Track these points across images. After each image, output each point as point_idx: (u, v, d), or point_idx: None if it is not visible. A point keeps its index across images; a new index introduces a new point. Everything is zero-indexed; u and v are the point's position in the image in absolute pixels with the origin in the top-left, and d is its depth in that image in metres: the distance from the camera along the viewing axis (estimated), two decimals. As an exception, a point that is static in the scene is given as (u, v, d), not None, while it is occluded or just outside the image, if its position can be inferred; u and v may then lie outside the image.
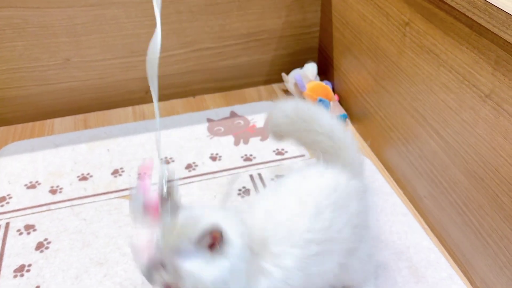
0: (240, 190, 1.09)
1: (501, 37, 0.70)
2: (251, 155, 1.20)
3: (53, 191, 1.10)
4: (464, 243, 0.89)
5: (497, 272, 0.81)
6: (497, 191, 0.78)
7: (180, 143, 1.24)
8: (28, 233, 0.99)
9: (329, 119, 0.75)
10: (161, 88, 1.41)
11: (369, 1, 1.09)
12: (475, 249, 0.86)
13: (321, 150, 0.76)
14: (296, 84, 1.35)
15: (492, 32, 0.72)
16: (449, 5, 0.80)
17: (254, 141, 1.24)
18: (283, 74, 1.40)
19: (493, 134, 0.77)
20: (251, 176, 1.13)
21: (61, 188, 1.11)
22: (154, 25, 1.30)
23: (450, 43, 0.84)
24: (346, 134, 0.76)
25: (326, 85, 1.34)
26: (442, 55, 0.87)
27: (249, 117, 1.33)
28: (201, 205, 0.72)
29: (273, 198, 0.72)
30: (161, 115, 1.36)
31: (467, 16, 0.77)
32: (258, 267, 0.64)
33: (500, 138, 0.75)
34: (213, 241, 0.59)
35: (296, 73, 1.37)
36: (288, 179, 0.75)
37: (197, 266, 0.59)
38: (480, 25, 0.74)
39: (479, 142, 0.80)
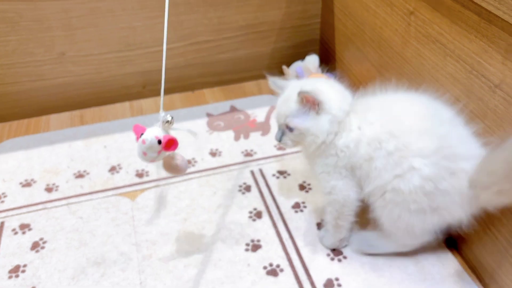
0: (240, 186, 1.06)
1: (511, 24, 0.67)
2: (251, 150, 1.17)
3: (49, 189, 1.07)
4: (472, 238, 0.86)
5: (507, 268, 0.78)
6: (508, 185, 0.75)
7: (179, 138, 1.21)
8: (24, 233, 0.97)
9: None
10: (159, 82, 1.39)
11: (372, -10, 1.05)
12: (484, 245, 0.83)
13: None
14: (297, 77, 1.32)
15: (502, 19, 0.69)
16: (456, -8, 0.77)
17: (255, 136, 1.22)
18: (284, 67, 1.37)
19: (503, 126, 0.74)
20: (252, 172, 1.10)
21: (57, 186, 1.08)
22: (150, 17, 1.27)
23: (457, 32, 0.81)
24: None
25: (328, 78, 1.31)
26: (449, 44, 0.83)
27: (249, 111, 1.31)
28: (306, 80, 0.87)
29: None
30: (159, 110, 1.33)
31: (476, 3, 0.73)
32: (348, 121, 0.79)
33: (510, 129, 0.72)
34: (309, 102, 0.77)
35: (297, 65, 1.34)
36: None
37: (308, 122, 0.79)
38: (490, 12, 0.71)
39: (488, 134, 0.77)
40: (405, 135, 0.74)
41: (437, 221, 0.78)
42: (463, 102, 0.81)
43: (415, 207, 0.76)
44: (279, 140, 0.83)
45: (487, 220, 0.81)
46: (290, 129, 0.80)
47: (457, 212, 0.76)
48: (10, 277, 0.88)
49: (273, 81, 0.85)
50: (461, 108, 0.78)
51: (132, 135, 1.22)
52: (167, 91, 1.38)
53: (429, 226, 0.79)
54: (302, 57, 1.37)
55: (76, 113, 1.33)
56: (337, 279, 0.86)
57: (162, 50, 1.30)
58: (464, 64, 0.80)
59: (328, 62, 1.37)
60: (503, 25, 0.70)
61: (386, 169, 0.75)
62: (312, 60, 1.33)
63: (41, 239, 0.95)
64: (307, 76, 1.30)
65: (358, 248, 0.90)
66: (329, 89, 0.80)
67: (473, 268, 0.87)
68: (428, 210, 0.76)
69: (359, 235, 0.91)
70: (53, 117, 1.32)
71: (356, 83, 1.22)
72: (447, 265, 0.88)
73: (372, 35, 1.09)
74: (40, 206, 1.03)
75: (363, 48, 1.15)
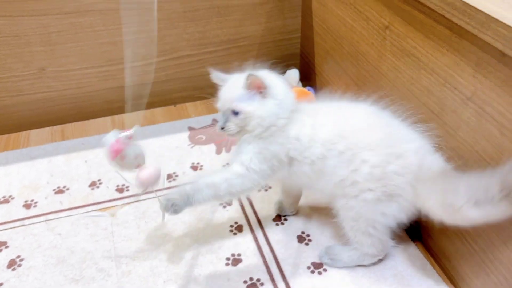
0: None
1: (481, 39, 0.69)
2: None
3: (27, 206, 1.06)
4: (450, 249, 0.87)
5: (484, 278, 0.79)
6: (482, 196, 0.76)
7: (160, 152, 1.21)
8: (0, 250, 0.95)
9: None
10: (141, 96, 1.38)
11: (349, 5, 1.07)
12: (461, 255, 0.84)
13: None
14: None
15: (472, 34, 0.71)
16: (428, 7, 0.79)
17: (236, 149, 1.22)
18: (265, 81, 1.38)
19: (476, 138, 0.75)
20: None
21: (35, 202, 1.07)
22: (131, 32, 1.27)
23: (430, 45, 0.82)
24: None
25: (308, 91, 1.32)
26: (423, 58, 0.85)
27: (231, 125, 1.31)
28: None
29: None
30: (141, 125, 1.33)
31: (447, 18, 0.75)
32: (300, 118, 0.83)
33: (483, 141, 0.74)
34: (256, 86, 0.79)
35: (278, 79, 1.35)
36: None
37: (254, 105, 0.80)
38: (460, 26, 0.73)
39: (461, 146, 0.79)
40: (353, 135, 0.81)
41: (396, 211, 0.81)
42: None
43: (371, 197, 0.80)
44: (223, 127, 0.82)
45: (464, 231, 0.82)
46: (235, 113, 0.81)
47: (411, 196, 0.80)
48: (-15, 296, 0.87)
49: (215, 74, 0.86)
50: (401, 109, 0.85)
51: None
52: (148, 106, 1.39)
53: (389, 219, 0.82)
54: (283, 71, 1.38)
55: (57, 128, 1.33)
56: (317, 292, 0.86)
57: (143, 65, 1.31)
58: (438, 77, 0.82)
59: (309, 76, 1.39)
60: (473, 39, 0.72)
61: (341, 167, 0.81)
62: (293, 74, 1.34)
63: (18, 256, 0.94)
64: (288, 90, 1.31)
65: (321, 261, 0.91)
66: (274, 78, 0.84)
67: (451, 279, 0.87)
68: (384, 198, 0.79)
69: (324, 248, 0.92)
70: (33, 133, 1.31)
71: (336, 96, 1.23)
72: (426, 276, 0.88)
73: (349, 49, 1.11)
74: (17, 223, 1.01)
75: (341, 62, 1.16)
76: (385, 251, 0.89)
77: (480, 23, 0.68)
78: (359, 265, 0.89)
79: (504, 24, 0.64)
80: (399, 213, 0.82)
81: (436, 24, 0.80)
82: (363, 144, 0.80)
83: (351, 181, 0.81)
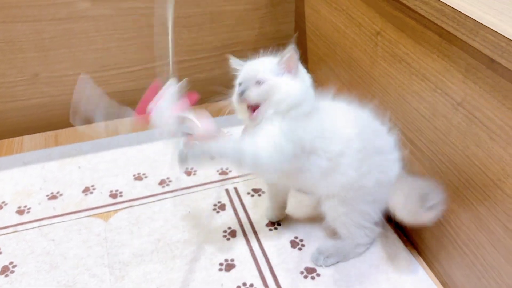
0: (215, 205, 1.06)
1: (470, 45, 0.70)
2: (227, 168, 1.17)
3: (20, 212, 1.06)
4: (441, 253, 0.87)
5: (475, 282, 0.79)
6: (472, 200, 0.77)
7: (154, 158, 1.21)
8: (-7, 257, 0.95)
9: None
10: (134, 102, 1.39)
11: (342, 11, 1.08)
12: (453, 259, 0.84)
13: None
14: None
15: (461, 40, 0.72)
16: (419, 14, 0.80)
17: (230, 154, 1.22)
18: (259, 86, 1.39)
19: (466, 143, 0.76)
20: (226, 190, 1.10)
21: (29, 208, 1.06)
22: (124, 39, 1.28)
23: (421, 51, 0.83)
24: None
25: (301, 97, 1.33)
26: (414, 63, 0.86)
27: (225, 130, 1.31)
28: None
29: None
30: (135, 130, 1.33)
31: (437, 24, 0.76)
32: (321, 112, 0.82)
33: (473, 146, 0.75)
34: (289, 65, 0.78)
35: (271, 85, 1.35)
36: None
37: (283, 81, 0.78)
38: (450, 33, 0.74)
39: (452, 151, 0.80)
40: (368, 136, 0.84)
41: (385, 194, 0.85)
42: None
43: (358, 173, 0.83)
44: (242, 93, 0.79)
45: (454, 235, 0.83)
46: (259, 83, 0.79)
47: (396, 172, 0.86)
48: (-22, 303, 0.86)
49: (235, 61, 0.87)
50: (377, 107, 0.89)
51: (107, 155, 1.22)
52: (142, 111, 1.39)
53: (380, 204, 0.87)
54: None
55: (51, 134, 1.32)
56: (310, 297, 0.86)
57: (137, 71, 1.31)
58: (429, 83, 0.83)
59: (302, 81, 1.39)
60: (462, 45, 0.73)
61: (352, 166, 0.82)
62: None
63: (11, 263, 0.94)
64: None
65: (316, 265, 0.91)
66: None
67: (444, 283, 0.88)
68: (370, 175, 0.83)
69: (315, 250, 0.93)
70: (27, 138, 1.31)
71: (329, 101, 1.24)
72: (418, 280, 0.89)
73: (342, 55, 1.12)
74: (10, 229, 1.01)
75: (334, 67, 1.17)
76: (375, 237, 0.93)
77: (469, 29, 0.69)
78: (352, 258, 0.92)
79: (492, 30, 0.65)
80: (386, 197, 0.86)
81: (427, 30, 0.81)
82: (374, 148, 0.84)
83: (359, 185, 0.82)
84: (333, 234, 0.92)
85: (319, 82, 1.28)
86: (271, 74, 0.79)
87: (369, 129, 0.86)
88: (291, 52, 0.78)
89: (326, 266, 0.90)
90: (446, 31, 0.75)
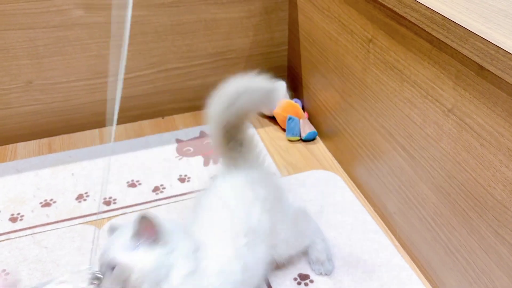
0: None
1: (460, 52, 0.71)
2: (220, 175, 1.17)
3: (13, 219, 1.05)
4: (434, 259, 0.88)
5: (467, 287, 0.80)
6: (464, 206, 0.77)
7: (147, 164, 1.21)
8: (-15, 264, 0.95)
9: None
10: (129, 109, 1.39)
11: (334, 19, 1.09)
12: (445, 265, 0.85)
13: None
14: (265, 103, 1.34)
15: (451, 47, 0.72)
16: (410, 21, 0.81)
17: (224, 161, 1.22)
18: (253, 93, 1.39)
19: (457, 149, 0.77)
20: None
21: (22, 216, 1.06)
22: (119, 45, 1.28)
23: (412, 58, 0.84)
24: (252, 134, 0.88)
25: (295, 103, 1.33)
26: (405, 70, 0.87)
27: (219, 137, 1.31)
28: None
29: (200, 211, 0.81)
30: (129, 137, 1.33)
31: (427, 32, 0.77)
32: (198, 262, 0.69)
33: (464, 152, 0.75)
34: (149, 232, 0.65)
35: (265, 91, 1.36)
36: (204, 195, 0.84)
37: (137, 258, 0.65)
38: (440, 40, 0.75)
39: (444, 157, 0.80)
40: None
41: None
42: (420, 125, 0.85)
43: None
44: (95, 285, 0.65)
45: (446, 241, 0.83)
46: (111, 267, 0.66)
47: None
48: (-31, 311, 0.86)
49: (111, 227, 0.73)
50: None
51: (100, 162, 1.22)
52: (136, 118, 1.39)
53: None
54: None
55: (44, 141, 1.32)
56: (303, 304, 0.86)
57: (132, 78, 1.32)
58: (420, 89, 0.83)
59: (296, 88, 1.40)
60: (452, 52, 0.74)
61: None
62: (280, 86, 1.35)
63: (3, 270, 0.93)
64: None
65: (321, 273, 0.91)
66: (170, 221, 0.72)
67: (437, 289, 0.89)
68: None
69: (311, 264, 0.93)
70: (21, 145, 1.30)
71: (322, 108, 1.25)
72: (411, 286, 0.89)
73: (335, 62, 1.13)
74: (3, 237, 1.01)
75: (327, 74, 1.18)
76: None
77: (459, 37, 0.69)
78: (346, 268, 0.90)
79: (482, 38, 0.65)
80: None
81: (417, 37, 0.82)
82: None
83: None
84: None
85: (312, 89, 1.29)
86: (122, 251, 0.66)
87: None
88: (144, 220, 0.66)
89: (329, 271, 0.91)
90: (437, 38, 0.75)
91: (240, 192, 0.81)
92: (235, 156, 0.85)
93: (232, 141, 0.84)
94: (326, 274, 0.90)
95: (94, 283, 0.65)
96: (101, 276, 0.65)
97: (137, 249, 0.66)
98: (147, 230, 0.66)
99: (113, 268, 0.65)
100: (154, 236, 0.66)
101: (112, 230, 0.73)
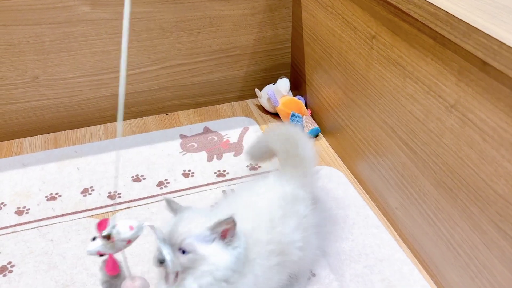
0: (212, 206, 1.07)
1: (463, 48, 0.71)
2: (224, 170, 1.18)
3: (19, 212, 1.07)
4: (436, 254, 0.88)
5: (469, 282, 0.80)
6: (466, 201, 0.78)
7: (152, 160, 1.22)
8: (-9, 256, 0.96)
9: (308, 143, 0.88)
10: (133, 105, 1.40)
11: (338, 16, 1.10)
12: (447, 260, 0.85)
13: (287, 164, 0.88)
14: (269, 100, 1.35)
15: (454, 43, 0.73)
16: (413, 17, 0.82)
17: (228, 156, 1.23)
18: (256, 90, 1.40)
19: (459, 144, 0.77)
20: (224, 192, 1.11)
21: (28, 209, 1.07)
22: (126, 42, 1.29)
23: (415, 54, 0.85)
24: (313, 152, 0.89)
25: (298, 100, 1.34)
26: (408, 66, 0.87)
27: (223, 133, 1.33)
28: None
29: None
30: (134, 133, 1.34)
31: (430, 28, 0.78)
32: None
33: (466, 148, 0.76)
34: (225, 232, 0.67)
35: (269, 88, 1.37)
36: (240, 193, 0.83)
37: (213, 251, 0.67)
38: (443, 36, 0.75)
39: (446, 152, 0.81)
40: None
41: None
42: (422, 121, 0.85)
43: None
44: (162, 260, 0.66)
45: (448, 236, 0.84)
46: (183, 252, 0.67)
47: None
48: (-24, 302, 0.87)
49: (170, 202, 0.72)
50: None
51: (105, 157, 1.23)
52: (141, 114, 1.40)
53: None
54: (273, 80, 1.40)
55: (50, 136, 1.33)
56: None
57: (136, 74, 1.33)
58: (422, 85, 0.84)
59: (299, 85, 1.41)
60: (456, 49, 0.74)
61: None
62: (283, 83, 1.36)
63: (9, 263, 0.94)
64: (279, 98, 1.33)
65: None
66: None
67: (438, 283, 0.89)
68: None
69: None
70: (26, 141, 1.32)
71: (325, 104, 1.25)
72: (412, 281, 0.90)
73: (338, 58, 1.13)
74: (9, 230, 1.02)
75: (330, 71, 1.19)
76: None
77: (462, 32, 0.70)
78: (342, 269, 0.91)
79: (485, 33, 0.66)
80: None
81: (421, 33, 0.82)
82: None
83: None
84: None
85: (315, 86, 1.30)
86: (199, 241, 0.67)
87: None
88: (230, 224, 0.67)
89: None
90: (440, 34, 0.76)
91: (283, 204, 0.79)
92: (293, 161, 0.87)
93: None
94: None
95: (161, 262, 0.66)
96: (165, 258, 0.66)
97: (212, 242, 0.67)
98: (226, 231, 0.67)
99: (183, 251, 0.67)
100: (229, 237, 0.68)
101: (173, 207, 0.71)
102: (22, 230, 1.02)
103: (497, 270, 0.74)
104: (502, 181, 0.69)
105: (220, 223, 0.66)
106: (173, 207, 0.72)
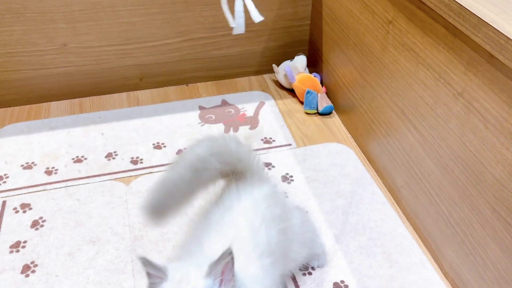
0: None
1: (472, 40, 0.75)
2: (240, 142, 1.24)
3: (48, 172, 1.14)
4: (435, 231, 0.95)
5: (463, 258, 0.87)
6: (466, 183, 0.83)
7: (172, 129, 1.29)
8: (24, 212, 1.04)
9: (238, 146, 0.79)
10: (155, 75, 1.45)
11: (357, -2, 1.13)
12: (445, 237, 0.91)
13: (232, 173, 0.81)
14: (286, 76, 1.40)
15: (465, 35, 0.77)
16: (428, 7, 0.85)
17: (243, 129, 1.29)
18: (274, 65, 1.44)
19: (464, 130, 0.82)
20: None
21: (56, 170, 1.15)
22: (149, 13, 1.34)
23: (428, 42, 0.89)
24: (251, 153, 0.81)
25: (314, 77, 1.39)
26: (421, 53, 0.91)
27: (240, 106, 1.38)
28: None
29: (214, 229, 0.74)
30: (155, 102, 1.40)
31: (444, 18, 0.81)
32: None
33: (470, 134, 0.81)
34: (225, 273, 0.60)
35: (286, 64, 1.41)
36: (215, 211, 0.79)
37: None
38: (455, 27, 0.79)
39: (451, 137, 0.86)
40: None
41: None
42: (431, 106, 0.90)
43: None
44: None
45: (448, 214, 0.90)
46: None
47: None
48: (11, 252, 0.96)
49: (147, 263, 0.60)
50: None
51: (128, 124, 1.30)
52: (162, 84, 1.46)
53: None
54: (291, 56, 1.44)
55: (76, 101, 1.40)
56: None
57: (159, 45, 1.38)
58: (433, 72, 0.88)
59: (316, 63, 1.45)
60: (466, 40, 0.78)
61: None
62: (300, 60, 1.40)
63: (41, 218, 1.03)
64: (295, 75, 1.38)
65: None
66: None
67: (435, 258, 0.96)
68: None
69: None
70: (54, 105, 1.39)
71: (340, 83, 1.30)
72: (412, 254, 0.96)
73: (355, 39, 1.17)
74: (40, 188, 1.10)
75: (347, 51, 1.23)
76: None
77: (473, 25, 0.74)
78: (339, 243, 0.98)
79: (494, 28, 0.70)
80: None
81: (435, 22, 0.86)
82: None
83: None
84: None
85: (332, 65, 1.34)
86: None
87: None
88: (227, 258, 0.59)
89: (322, 265, 0.94)
90: (452, 25, 0.80)
91: (260, 209, 0.77)
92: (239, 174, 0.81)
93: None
94: (319, 267, 0.93)
95: None
96: None
97: None
98: (225, 270, 0.60)
99: None
100: (228, 279, 0.61)
101: (154, 268, 0.60)
102: (51, 189, 1.10)
103: (489, 247, 0.80)
104: (500, 167, 0.75)
105: (216, 263, 0.59)
106: (155, 268, 0.60)
